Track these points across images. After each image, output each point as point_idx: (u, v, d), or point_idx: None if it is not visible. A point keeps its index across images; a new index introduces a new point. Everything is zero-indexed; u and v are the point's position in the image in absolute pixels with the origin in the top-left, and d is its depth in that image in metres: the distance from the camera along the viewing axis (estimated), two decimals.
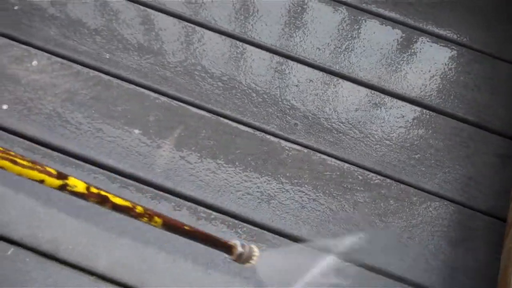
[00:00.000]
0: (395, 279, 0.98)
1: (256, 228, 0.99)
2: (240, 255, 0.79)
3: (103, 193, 0.64)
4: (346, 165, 1.08)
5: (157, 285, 0.93)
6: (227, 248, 0.79)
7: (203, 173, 1.03)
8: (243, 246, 0.79)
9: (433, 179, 1.09)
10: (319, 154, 1.09)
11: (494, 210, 1.07)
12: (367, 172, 1.08)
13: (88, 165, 1.02)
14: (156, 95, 1.10)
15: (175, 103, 1.10)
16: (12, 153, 0.55)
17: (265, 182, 1.04)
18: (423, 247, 1.02)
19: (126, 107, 1.08)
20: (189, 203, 1.00)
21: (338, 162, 1.08)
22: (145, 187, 1.01)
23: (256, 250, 0.80)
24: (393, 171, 1.09)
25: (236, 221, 1.00)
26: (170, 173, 1.02)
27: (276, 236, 1.00)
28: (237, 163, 1.05)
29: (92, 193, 0.63)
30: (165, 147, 1.05)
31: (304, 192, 1.04)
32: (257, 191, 1.02)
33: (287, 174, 1.05)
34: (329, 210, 1.03)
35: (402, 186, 1.08)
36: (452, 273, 1.00)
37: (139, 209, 0.68)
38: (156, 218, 0.70)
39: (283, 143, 1.09)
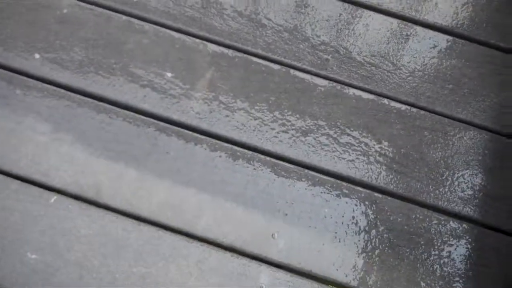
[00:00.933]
0: (431, 209, 0.99)
1: (292, 166, 1.00)
2: None
3: None
4: (380, 98, 1.07)
5: (203, 224, 0.95)
6: None
7: (237, 114, 1.03)
8: None
9: (467, 108, 1.08)
10: (351, 89, 1.08)
11: None
12: (401, 105, 1.07)
13: (123, 111, 1.02)
14: (186, 37, 1.09)
15: (205, 44, 1.09)
16: None
17: (299, 119, 1.04)
18: (459, 176, 1.01)
19: (157, 51, 1.07)
20: (225, 144, 1.01)
21: (371, 95, 1.08)
22: (181, 129, 1.01)
23: None
24: (426, 102, 1.08)
25: (273, 160, 1.00)
26: (204, 115, 1.03)
27: (312, 172, 1.00)
28: (270, 102, 1.05)
29: None
30: (198, 88, 1.04)
31: (338, 127, 1.04)
32: (292, 129, 1.03)
33: (321, 110, 1.05)
34: (364, 144, 1.03)
35: (436, 117, 1.07)
36: (488, 201, 1.00)
37: None
38: None
39: (315, 79, 1.08)
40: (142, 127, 1.01)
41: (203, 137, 1.02)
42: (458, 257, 0.96)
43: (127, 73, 1.05)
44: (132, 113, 1.03)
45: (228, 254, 0.93)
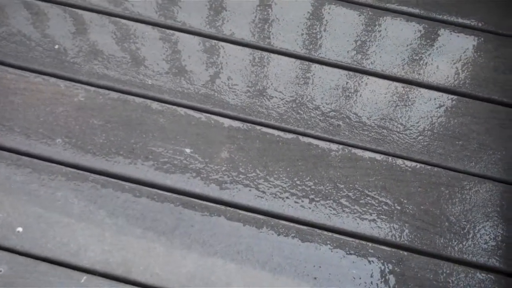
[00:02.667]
0: (457, 263, 1.00)
1: (315, 230, 1.02)
2: None
3: None
4: (393, 158, 1.11)
5: None
6: None
7: (257, 183, 1.06)
8: None
9: (479, 162, 1.11)
10: (365, 151, 1.11)
11: None
12: (415, 163, 1.11)
13: (146, 188, 1.04)
14: (201, 114, 1.14)
15: (220, 119, 1.13)
16: None
17: (318, 183, 1.06)
18: (480, 229, 1.03)
19: (174, 129, 1.11)
20: (248, 213, 1.03)
21: (385, 156, 1.11)
22: (204, 202, 1.03)
23: None
24: (439, 159, 1.11)
25: (296, 225, 1.02)
26: (225, 187, 1.05)
27: (335, 234, 1.02)
28: (288, 169, 1.08)
29: None
30: (217, 162, 1.08)
31: (357, 189, 1.06)
32: (312, 193, 1.05)
33: (338, 174, 1.08)
34: (384, 203, 1.05)
35: (451, 172, 1.10)
36: (511, 250, 1.01)
37: None
38: None
39: (329, 144, 1.11)
40: (166, 203, 1.03)
41: (226, 208, 1.04)
42: None
43: (147, 152, 1.08)
44: (155, 190, 1.05)
45: None
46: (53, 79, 1.18)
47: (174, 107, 1.15)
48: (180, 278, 0.96)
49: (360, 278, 0.98)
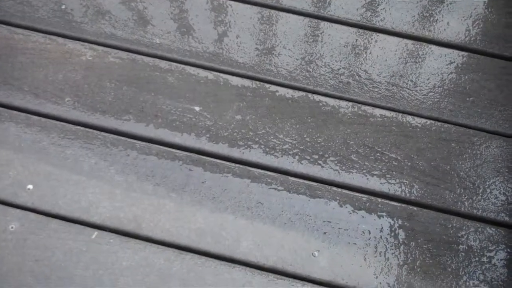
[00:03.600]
0: (467, 217, 1.00)
1: (325, 186, 1.02)
2: None
3: None
4: (403, 115, 1.10)
5: (243, 248, 0.96)
6: None
7: (267, 140, 1.06)
8: None
9: (490, 118, 1.11)
10: (375, 109, 1.10)
11: None
12: (425, 120, 1.10)
13: (156, 146, 1.04)
14: (209, 72, 1.13)
15: (229, 77, 1.13)
16: None
17: (327, 140, 1.06)
18: (490, 184, 1.03)
19: (183, 88, 1.11)
20: (258, 170, 1.03)
21: (395, 113, 1.10)
22: (214, 159, 1.04)
23: None
24: (450, 116, 1.11)
25: (306, 181, 1.02)
26: (235, 144, 1.05)
27: (345, 190, 1.02)
28: (298, 126, 1.08)
29: None
30: (227, 119, 1.07)
31: (367, 145, 1.06)
32: (321, 150, 1.05)
33: (348, 131, 1.08)
34: (394, 159, 1.05)
35: (461, 129, 1.09)
36: None
37: None
38: None
39: (339, 102, 1.11)
40: (176, 160, 1.03)
41: (236, 165, 1.04)
42: (499, 262, 0.96)
43: (156, 110, 1.08)
44: (165, 148, 1.05)
45: (271, 276, 0.94)
46: (60, 39, 1.17)
47: (183, 65, 1.15)
48: (190, 234, 0.97)
49: (369, 233, 0.98)
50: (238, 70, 1.14)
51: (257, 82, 1.13)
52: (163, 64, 1.14)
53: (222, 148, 1.05)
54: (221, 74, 1.13)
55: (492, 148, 1.07)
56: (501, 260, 0.96)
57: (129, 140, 1.05)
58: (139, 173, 1.02)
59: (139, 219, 0.98)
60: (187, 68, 1.14)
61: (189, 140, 1.06)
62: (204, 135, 1.06)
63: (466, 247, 0.97)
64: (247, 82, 1.13)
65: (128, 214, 0.98)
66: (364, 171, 1.04)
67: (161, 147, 1.05)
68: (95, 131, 1.06)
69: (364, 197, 1.01)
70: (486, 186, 1.03)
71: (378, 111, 1.10)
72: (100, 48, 1.16)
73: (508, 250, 0.97)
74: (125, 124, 1.07)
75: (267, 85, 1.12)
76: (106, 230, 0.98)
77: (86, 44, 1.17)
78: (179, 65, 1.14)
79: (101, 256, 0.95)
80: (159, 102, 1.09)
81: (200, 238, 0.97)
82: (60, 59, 1.14)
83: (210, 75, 1.13)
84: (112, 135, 1.06)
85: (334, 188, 1.02)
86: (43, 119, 1.07)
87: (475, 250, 0.97)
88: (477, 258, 0.96)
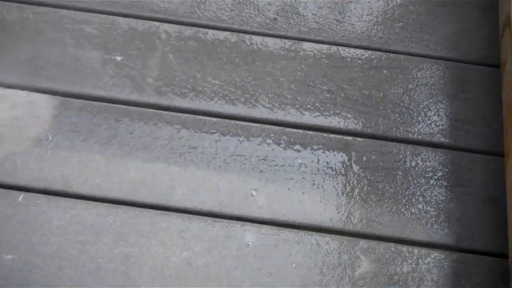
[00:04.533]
0: (403, 142, 0.99)
1: (258, 124, 0.99)
2: None
3: None
4: (333, 47, 1.08)
5: (179, 195, 0.92)
6: None
7: (195, 83, 1.02)
8: None
9: (420, 42, 1.09)
10: (304, 43, 1.07)
11: (486, 58, 1.07)
12: (354, 49, 1.08)
13: (78, 100, 1.00)
14: (130, 20, 1.08)
15: (150, 23, 1.08)
16: None
17: (257, 78, 1.03)
18: (425, 106, 1.02)
19: (102, 37, 1.05)
20: (188, 115, 1.00)
21: (325, 45, 1.08)
22: (141, 109, 0.99)
23: None
24: (380, 43, 1.09)
25: (237, 122, 1.00)
26: (162, 91, 1.01)
27: (278, 127, 0.99)
28: (226, 67, 1.04)
29: None
30: (151, 67, 1.03)
31: (298, 80, 1.03)
32: (252, 89, 1.02)
33: (278, 67, 1.05)
34: (326, 91, 1.03)
35: (392, 55, 1.07)
36: (456, 124, 1.01)
37: None
38: None
39: (267, 39, 1.07)
40: (101, 113, 0.99)
41: (165, 112, 1.00)
42: (437, 182, 0.96)
43: (76, 62, 1.03)
44: (87, 101, 1.00)
45: (210, 220, 0.91)
46: None
47: (102, 15, 1.09)
48: (122, 187, 0.93)
49: (306, 167, 0.96)
50: (159, 15, 1.09)
51: (180, 26, 1.08)
52: (81, 15, 1.08)
53: (148, 97, 1.01)
54: (141, 21, 1.08)
55: (424, 71, 1.06)
56: (438, 180, 0.96)
57: (50, 95, 1.00)
58: (63, 130, 0.97)
59: (67, 177, 0.94)
60: (106, 17, 1.08)
61: (112, 91, 1.01)
62: (128, 84, 1.02)
63: (404, 171, 0.96)
64: (169, 27, 1.08)
65: (55, 173, 0.94)
66: (297, 106, 1.02)
67: (84, 101, 1.01)
68: (9, 90, 1.00)
69: (299, 132, 0.99)
70: (420, 110, 1.02)
71: (307, 45, 1.07)
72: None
73: (445, 170, 0.96)
74: (43, 80, 1.01)
75: (191, 28, 1.08)
76: (33, 192, 0.93)
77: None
78: (99, 15, 1.08)
79: (29, 218, 0.90)
80: (77, 54, 1.04)
81: (133, 190, 0.93)
82: None
83: (132, 22, 1.08)
84: (31, 93, 1.00)
85: (268, 126, 0.99)
86: None
87: (413, 173, 0.96)
88: (415, 181, 0.95)
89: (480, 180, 0.96)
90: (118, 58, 1.04)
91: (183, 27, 1.08)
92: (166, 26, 1.08)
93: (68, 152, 0.96)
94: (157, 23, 1.08)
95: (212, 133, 0.98)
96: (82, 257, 0.88)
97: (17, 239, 0.89)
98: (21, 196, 0.92)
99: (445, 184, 0.95)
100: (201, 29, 1.08)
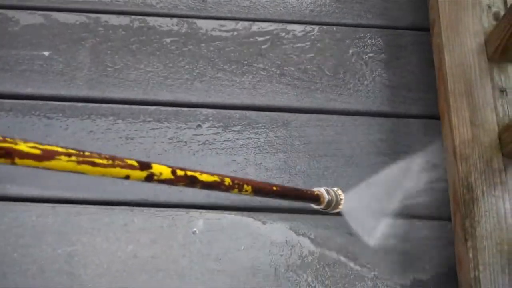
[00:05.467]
0: (343, 113, 0.99)
1: (193, 109, 0.98)
2: (329, 203, 0.75)
3: (190, 173, 0.57)
4: (265, 23, 1.06)
5: (121, 189, 0.91)
6: (315, 198, 0.74)
7: (126, 72, 1.00)
8: (328, 192, 0.75)
9: (351, 12, 1.10)
10: (239, 22, 1.06)
11: (417, 23, 1.08)
12: (287, 24, 1.07)
13: (8, 101, 0.97)
14: (54, 13, 1.05)
15: (72, 16, 1.05)
16: (88, 153, 0.49)
17: (191, 62, 1.02)
18: (360, 75, 1.02)
19: (27, 34, 1.02)
20: (123, 106, 0.97)
21: (260, 23, 1.06)
22: (73, 103, 0.97)
23: (341, 193, 0.76)
24: (311, 16, 1.08)
25: (175, 108, 0.98)
26: (93, 83, 0.99)
27: (216, 109, 0.98)
28: (158, 53, 1.02)
29: (180, 176, 0.56)
30: (81, 59, 1.00)
31: (232, 60, 1.02)
32: (186, 73, 1.01)
33: (211, 49, 1.03)
34: (261, 69, 1.02)
35: (324, 27, 1.07)
36: (393, 91, 1.01)
37: (227, 181, 0.61)
38: (246, 186, 0.64)
39: (197, 21, 1.06)
40: (32, 111, 0.96)
41: (98, 105, 0.98)
42: (380, 150, 0.96)
43: (3, 63, 0.99)
44: (19, 101, 0.97)
45: (153, 210, 0.90)
46: None
47: (23, 11, 1.05)
48: (61, 185, 0.91)
49: (247, 147, 0.95)
50: (80, 6, 1.06)
51: (108, 15, 1.05)
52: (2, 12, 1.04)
53: (80, 90, 0.98)
54: (63, 14, 1.05)
55: (356, 41, 1.06)
56: (382, 146, 0.96)
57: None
58: None
59: (4, 180, 0.91)
60: (26, 13, 1.04)
61: (42, 88, 0.98)
62: (58, 80, 0.99)
63: (346, 143, 0.96)
64: (94, 17, 1.05)
65: None
66: (234, 86, 1.00)
67: (15, 101, 0.97)
68: None
69: (238, 112, 0.98)
70: (356, 79, 1.02)
71: (242, 24, 1.06)
72: None
73: (385, 136, 0.97)
74: None
75: (119, 16, 1.05)
76: None
77: None
78: (19, 11, 1.05)
79: None
80: (3, 53, 1.00)
81: (73, 188, 0.91)
82: None
83: (58, 16, 1.04)
84: None
85: (205, 110, 0.98)
86: None
87: (357, 144, 0.96)
88: (358, 151, 0.95)
89: (418, 144, 0.97)
90: (46, 53, 1.01)
91: (109, 16, 1.05)
92: (90, 16, 1.05)
93: None
94: (83, 16, 1.05)
95: (149, 121, 0.96)
96: (25, 261, 0.85)
97: None
98: None
99: (388, 151, 0.96)
100: (130, 16, 1.05)
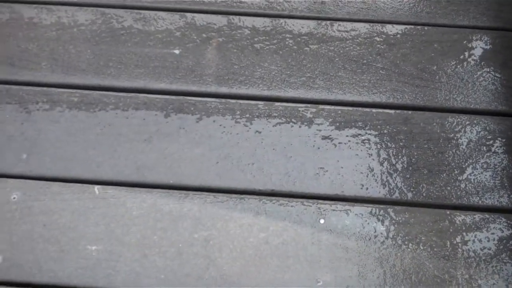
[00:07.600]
0: (461, 112, 1.01)
1: (316, 105, 1.02)
2: None
3: None
4: (382, 25, 1.10)
5: (252, 184, 0.95)
6: None
7: (251, 69, 1.05)
8: None
9: (467, 15, 1.11)
10: (354, 23, 1.10)
11: None
12: (404, 26, 1.10)
13: (142, 95, 1.03)
14: (180, 14, 1.11)
15: (201, 16, 1.11)
16: None
17: (312, 61, 1.06)
18: (477, 77, 1.04)
19: (158, 33, 1.09)
20: (247, 101, 1.02)
21: (375, 24, 1.10)
22: (201, 98, 1.03)
23: None
24: (428, 18, 1.11)
25: (295, 105, 1.02)
26: (222, 80, 1.04)
27: (339, 107, 1.01)
28: (281, 52, 1.07)
29: None
30: (209, 57, 1.06)
31: (352, 60, 1.06)
32: (308, 72, 1.04)
33: (331, 48, 1.07)
34: (381, 69, 1.05)
35: (440, 29, 1.09)
36: (510, 91, 1.02)
37: None
38: None
39: (318, 22, 1.10)
40: (164, 106, 1.02)
41: (225, 100, 1.03)
42: (498, 149, 0.98)
43: (137, 60, 1.06)
44: (153, 96, 1.04)
45: (282, 200, 0.94)
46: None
47: (154, 12, 1.12)
48: (195, 176, 0.96)
49: (369, 143, 0.99)
50: (208, 7, 1.12)
51: (232, 16, 1.11)
52: (135, 13, 1.11)
53: (209, 87, 1.04)
54: (195, 14, 1.11)
55: (473, 42, 1.08)
56: (500, 147, 0.98)
57: (114, 94, 1.03)
58: (132, 125, 1.01)
59: (142, 168, 0.97)
60: (159, 13, 1.11)
61: (175, 83, 1.04)
62: (188, 76, 1.05)
63: (465, 141, 0.98)
64: (219, 18, 1.11)
65: (130, 165, 0.97)
66: (354, 85, 1.04)
67: (148, 95, 1.04)
68: (78, 91, 1.04)
69: (358, 110, 1.02)
70: (475, 79, 1.04)
71: (357, 25, 1.10)
72: (68, 8, 1.13)
73: (505, 136, 0.98)
74: (107, 78, 1.05)
75: (242, 17, 1.11)
76: (108, 184, 0.96)
77: (52, 6, 1.13)
78: (150, 12, 1.12)
79: (109, 210, 0.94)
80: (137, 51, 1.07)
81: (207, 177, 0.96)
82: (29, 24, 1.10)
83: (185, 16, 1.11)
84: (96, 92, 1.04)
85: (328, 107, 1.02)
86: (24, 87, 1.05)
87: (474, 141, 0.98)
88: (477, 149, 0.98)
89: None
90: (177, 51, 1.07)
91: (235, 17, 1.11)
92: (217, 17, 1.11)
93: (138, 144, 0.99)
94: (210, 16, 1.11)
95: (274, 116, 1.01)
96: (164, 243, 0.91)
97: (100, 231, 0.92)
98: (96, 188, 0.96)
99: (506, 151, 0.97)
100: (254, 18, 1.11)
